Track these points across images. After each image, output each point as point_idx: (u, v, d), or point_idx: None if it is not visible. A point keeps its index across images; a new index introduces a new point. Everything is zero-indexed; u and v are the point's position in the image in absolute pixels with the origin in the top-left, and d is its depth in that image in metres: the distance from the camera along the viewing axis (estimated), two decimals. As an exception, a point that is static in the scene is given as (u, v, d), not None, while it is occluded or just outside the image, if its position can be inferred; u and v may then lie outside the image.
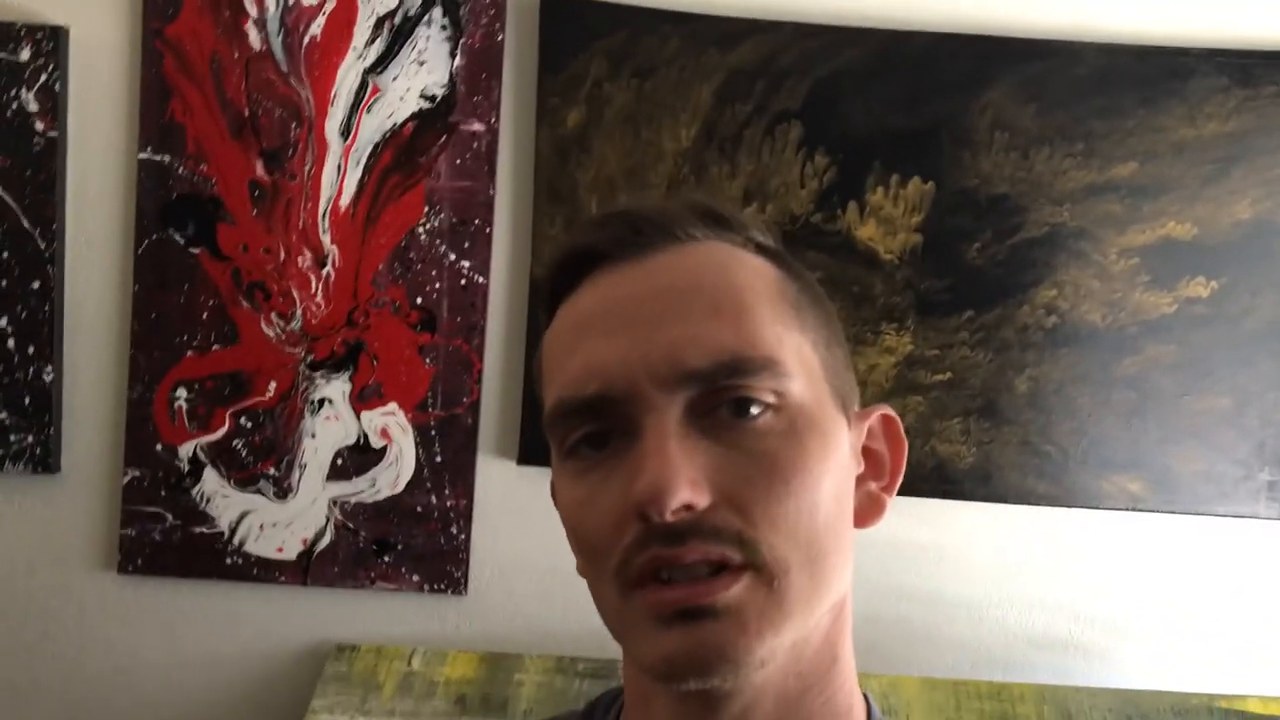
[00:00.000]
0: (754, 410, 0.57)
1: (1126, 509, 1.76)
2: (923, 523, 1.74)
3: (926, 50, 1.69)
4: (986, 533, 1.77)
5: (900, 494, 0.65)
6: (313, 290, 1.74)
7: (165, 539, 1.75)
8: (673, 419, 0.56)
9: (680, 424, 0.56)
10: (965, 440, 1.73)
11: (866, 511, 0.63)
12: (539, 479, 1.75)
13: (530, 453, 1.75)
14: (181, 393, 1.74)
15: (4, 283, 1.70)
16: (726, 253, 0.61)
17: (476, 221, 1.72)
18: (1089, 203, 1.71)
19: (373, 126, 1.71)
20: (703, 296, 0.58)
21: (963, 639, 1.78)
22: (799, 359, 0.58)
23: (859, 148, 1.70)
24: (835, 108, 1.69)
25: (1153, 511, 1.76)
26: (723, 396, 0.57)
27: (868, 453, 0.63)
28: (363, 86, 1.71)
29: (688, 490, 0.54)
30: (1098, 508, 1.76)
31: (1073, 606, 1.80)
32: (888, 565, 1.72)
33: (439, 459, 1.75)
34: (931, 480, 1.72)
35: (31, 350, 1.72)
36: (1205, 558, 1.79)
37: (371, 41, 1.70)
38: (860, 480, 0.62)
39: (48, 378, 1.72)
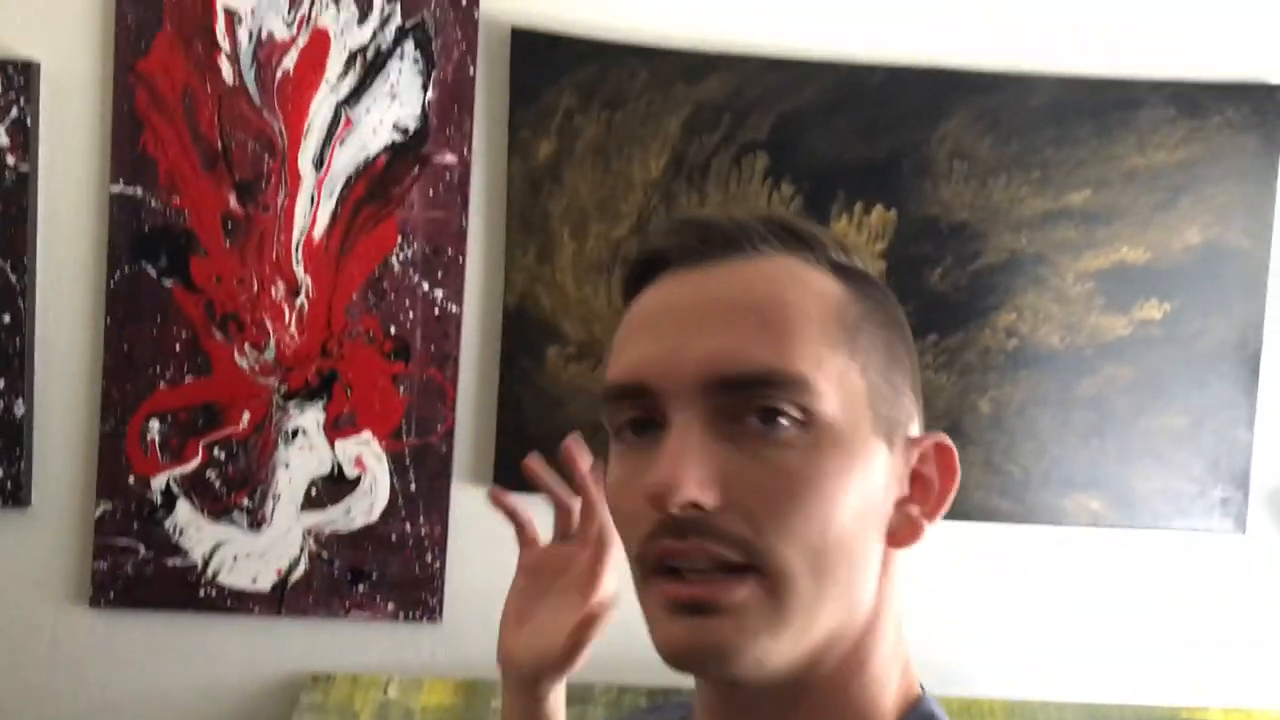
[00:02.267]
0: (782, 422, 0.58)
1: (1087, 525, 1.80)
2: (891, 543, 1.77)
3: (886, 84, 1.74)
4: (952, 550, 1.80)
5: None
6: (286, 321, 1.75)
7: (138, 572, 1.75)
8: (698, 420, 0.59)
9: (705, 426, 0.59)
10: (931, 461, 1.76)
11: (903, 533, 0.63)
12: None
13: (504, 479, 1.77)
14: (154, 424, 1.74)
15: (-26, 316, 1.70)
16: (789, 269, 0.62)
17: (449, 251, 1.74)
18: (1046, 229, 1.77)
19: (346, 158, 1.73)
20: (751, 311, 0.60)
21: (931, 655, 1.80)
22: (838, 381, 0.60)
23: (823, 177, 1.74)
24: (800, 139, 1.74)
25: (1113, 527, 1.81)
26: (750, 405, 0.59)
27: (917, 476, 0.64)
28: (336, 119, 1.73)
29: (694, 489, 0.57)
30: (1060, 525, 1.80)
31: (1037, 622, 1.84)
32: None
33: (413, 487, 1.77)
34: (899, 501, 1.75)
35: (2, 384, 1.71)
36: (1164, 572, 1.84)
37: (344, 75, 1.72)
38: (902, 503, 0.63)
39: (19, 411, 1.72)
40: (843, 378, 0.60)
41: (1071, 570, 1.84)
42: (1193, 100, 1.76)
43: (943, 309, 1.76)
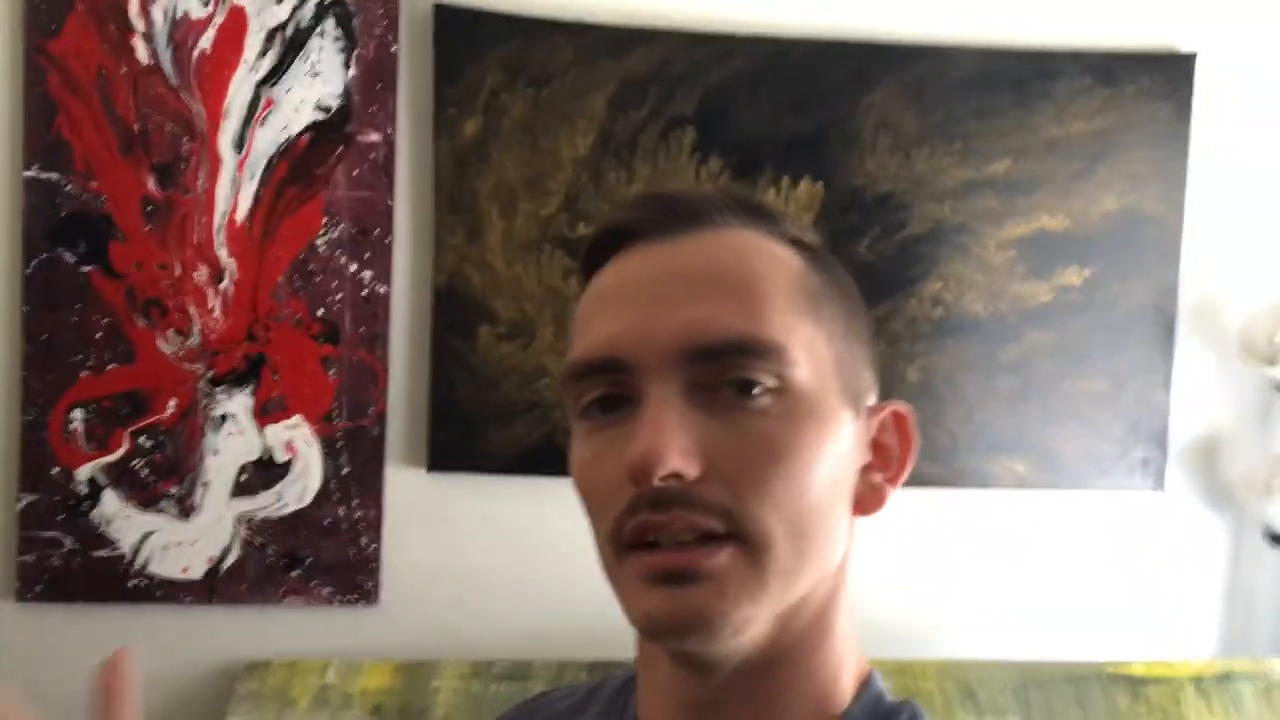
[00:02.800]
0: (755, 391, 0.59)
1: (1014, 488, 1.84)
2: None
3: (811, 57, 1.75)
4: (883, 515, 1.83)
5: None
6: (210, 305, 1.72)
7: (65, 564, 1.71)
8: (674, 391, 0.58)
9: (681, 397, 0.58)
10: (861, 430, 1.79)
11: (868, 500, 0.64)
12: (449, 485, 1.78)
13: (439, 459, 1.76)
14: (78, 414, 1.70)
15: (-117, 308, 1.65)
16: (752, 241, 0.63)
17: (376, 231, 1.73)
18: (968, 199, 1.80)
19: (267, 139, 1.70)
20: (720, 281, 0.60)
21: (864, 618, 1.84)
22: (808, 349, 0.61)
23: (751, 151, 1.75)
24: (726, 113, 1.74)
25: (1038, 488, 1.85)
26: (726, 375, 0.59)
27: (877, 445, 0.65)
28: (256, 99, 1.70)
29: (677, 458, 0.57)
30: (987, 488, 1.84)
31: (967, 583, 1.88)
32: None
33: (346, 470, 1.75)
34: (831, 470, 1.78)
35: (-84, 376, 1.67)
36: (1089, 531, 1.89)
37: (263, 54, 1.69)
38: (866, 470, 0.64)
39: (-66, 404, 1.67)
40: (812, 346, 0.61)
41: (999, 532, 1.88)
42: (1108, 69, 1.80)
43: (870, 279, 1.78)
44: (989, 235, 1.80)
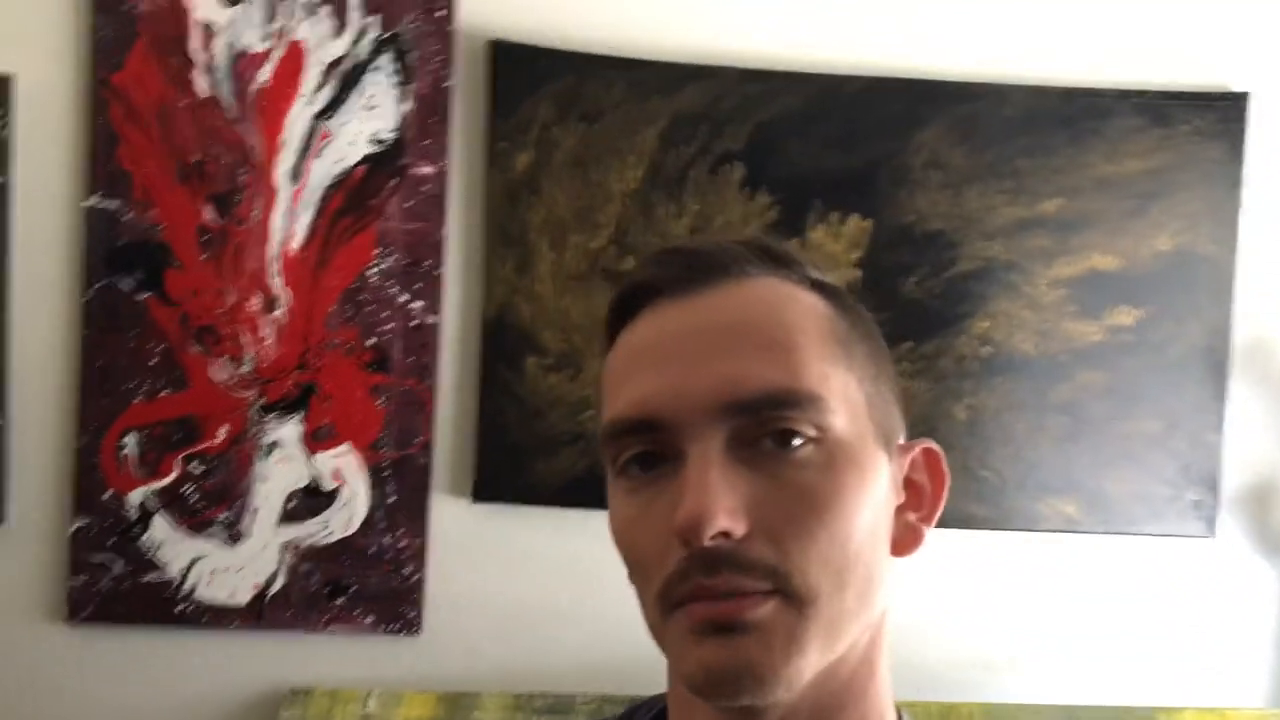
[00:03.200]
0: (796, 442, 0.59)
1: (1063, 530, 1.82)
2: (869, 549, 1.78)
3: (862, 94, 1.76)
4: (929, 556, 1.81)
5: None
6: (263, 333, 1.74)
7: (114, 587, 1.73)
8: (716, 448, 0.58)
9: (723, 453, 0.58)
10: (908, 468, 1.78)
11: (905, 541, 0.65)
12: (493, 516, 1.78)
13: (484, 490, 1.77)
14: (130, 439, 1.73)
15: (-54, 332, 1.69)
16: (779, 290, 0.63)
17: (428, 263, 1.74)
18: (1019, 237, 1.79)
19: (323, 170, 1.73)
20: (752, 333, 0.60)
21: (909, 661, 1.81)
22: (843, 396, 0.61)
23: (799, 187, 1.75)
24: (776, 149, 1.75)
25: (1087, 533, 1.83)
26: (766, 428, 0.59)
27: (909, 484, 0.65)
28: (312, 132, 1.73)
29: (725, 519, 0.56)
30: (1035, 530, 1.82)
31: (1014, 626, 1.86)
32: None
33: (392, 499, 1.76)
34: (877, 508, 1.77)
35: (-25, 399, 1.70)
36: (1138, 575, 1.86)
37: (320, 88, 1.72)
38: (900, 511, 0.64)
39: (-8, 427, 1.70)
40: (846, 392, 0.61)
41: (1047, 574, 1.86)
42: (1161, 109, 1.79)
43: (918, 316, 1.78)
44: (1039, 274, 1.79)
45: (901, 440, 0.66)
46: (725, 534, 0.56)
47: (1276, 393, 1.84)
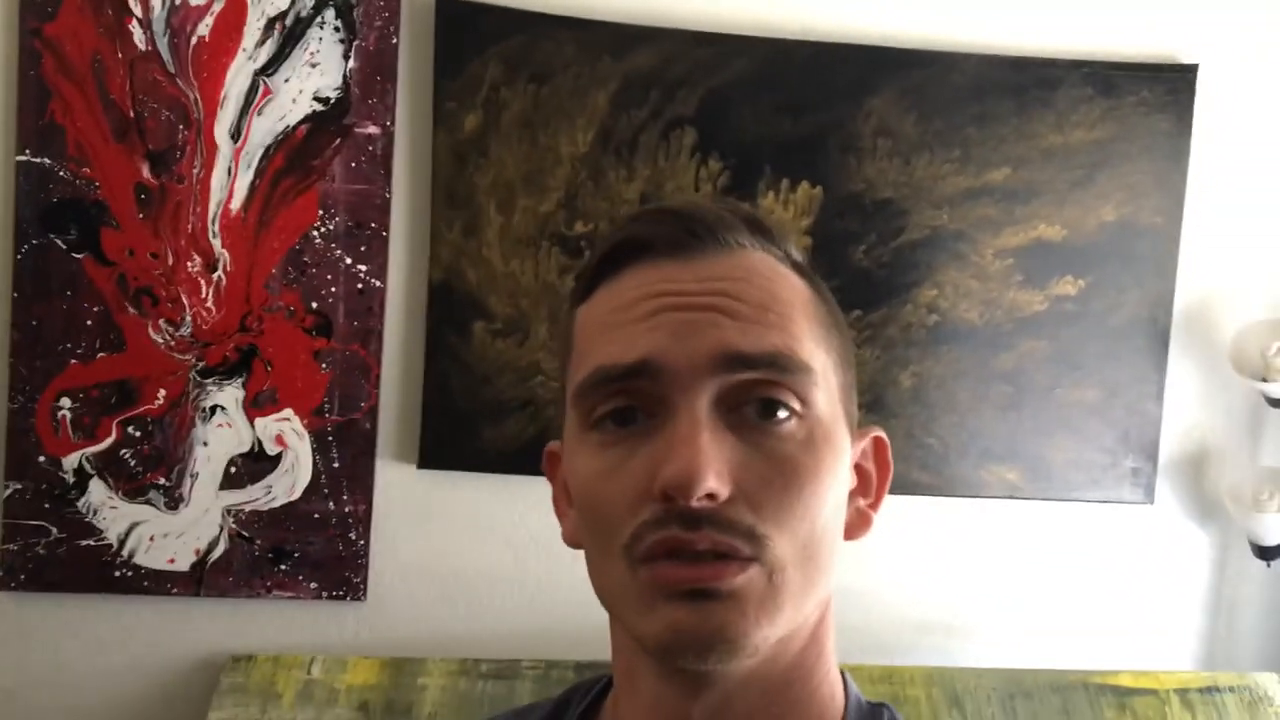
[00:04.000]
0: (780, 415, 0.60)
1: (1005, 497, 1.85)
2: (815, 516, 1.79)
3: (813, 59, 1.75)
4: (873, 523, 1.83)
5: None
6: (203, 295, 1.70)
7: (50, 553, 1.70)
8: (704, 407, 0.59)
9: (710, 414, 0.59)
10: (854, 435, 1.79)
11: (855, 525, 0.66)
12: (439, 482, 1.77)
13: (430, 456, 1.75)
14: (65, 402, 1.69)
15: None
16: (770, 266, 0.64)
17: (373, 225, 1.71)
18: (966, 206, 1.79)
19: (264, 129, 1.69)
20: (751, 302, 0.61)
21: (853, 624, 1.84)
22: (825, 375, 0.62)
23: (751, 153, 1.74)
24: (727, 114, 1.73)
25: (1029, 499, 1.85)
26: (753, 393, 0.59)
27: (859, 470, 0.67)
28: (253, 88, 1.68)
29: (713, 480, 0.57)
30: (978, 496, 1.84)
31: (956, 591, 1.88)
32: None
33: (336, 464, 1.74)
34: (823, 474, 1.78)
35: (-98, 361, 1.65)
36: (1078, 541, 1.89)
37: (262, 43, 1.68)
38: (851, 495, 0.66)
39: (-80, 389, 1.65)
40: (825, 372, 0.62)
41: (989, 540, 1.88)
42: (1109, 79, 1.80)
43: (866, 285, 1.78)
44: (986, 243, 1.80)
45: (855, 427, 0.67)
46: (711, 496, 0.57)
47: (1215, 363, 1.87)
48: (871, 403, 1.79)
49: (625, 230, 0.65)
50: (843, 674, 0.68)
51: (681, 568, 0.58)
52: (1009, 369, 1.82)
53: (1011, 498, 1.85)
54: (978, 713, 1.72)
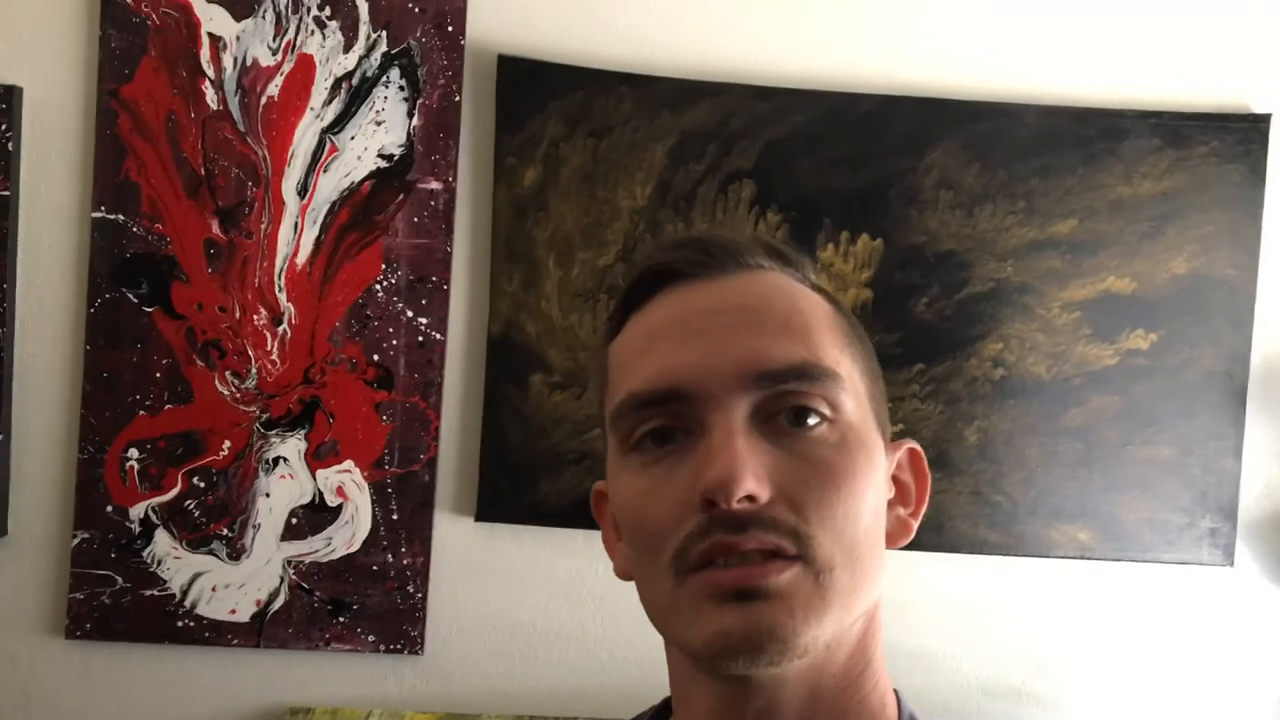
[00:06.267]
0: (811, 420, 0.61)
1: (1076, 557, 1.79)
2: (878, 574, 1.76)
3: (873, 112, 1.74)
4: (939, 582, 1.79)
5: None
6: (268, 348, 1.73)
7: (115, 602, 1.72)
8: (739, 419, 0.60)
9: (744, 424, 0.60)
10: (918, 491, 1.75)
11: (896, 533, 0.67)
12: (497, 535, 1.76)
13: (487, 509, 1.75)
14: (133, 453, 1.72)
15: (-49, 343, 1.68)
16: (790, 283, 0.67)
17: (434, 279, 1.73)
18: (1031, 258, 1.76)
19: (330, 185, 1.72)
20: (773, 315, 0.63)
21: (918, 689, 1.79)
22: (851, 380, 0.64)
23: (810, 206, 1.73)
24: (786, 167, 1.73)
25: (1101, 559, 1.79)
26: (784, 403, 0.61)
27: (896, 481, 0.68)
28: (320, 146, 1.72)
29: (753, 481, 0.58)
30: (1048, 556, 1.79)
31: (1025, 654, 1.82)
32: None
33: (395, 516, 1.75)
34: (886, 531, 1.74)
35: (-21, 411, 1.69)
36: (1153, 604, 1.83)
37: (329, 102, 1.72)
38: (890, 504, 0.67)
39: (-5, 439, 1.70)
40: (852, 379, 0.64)
41: (1060, 601, 1.82)
42: (1178, 130, 1.76)
43: (929, 338, 1.76)
44: (1053, 296, 1.77)
45: (889, 438, 0.69)
46: (751, 498, 0.58)
47: (1295, 419, 1.81)
48: (935, 459, 1.75)
49: (648, 260, 0.68)
50: (896, 692, 0.68)
51: (726, 571, 0.59)
52: (1078, 425, 1.78)
53: (1083, 558, 1.79)
54: (1049, 782, 1.65)
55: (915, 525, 0.68)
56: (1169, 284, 1.77)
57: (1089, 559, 1.79)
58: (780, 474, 0.60)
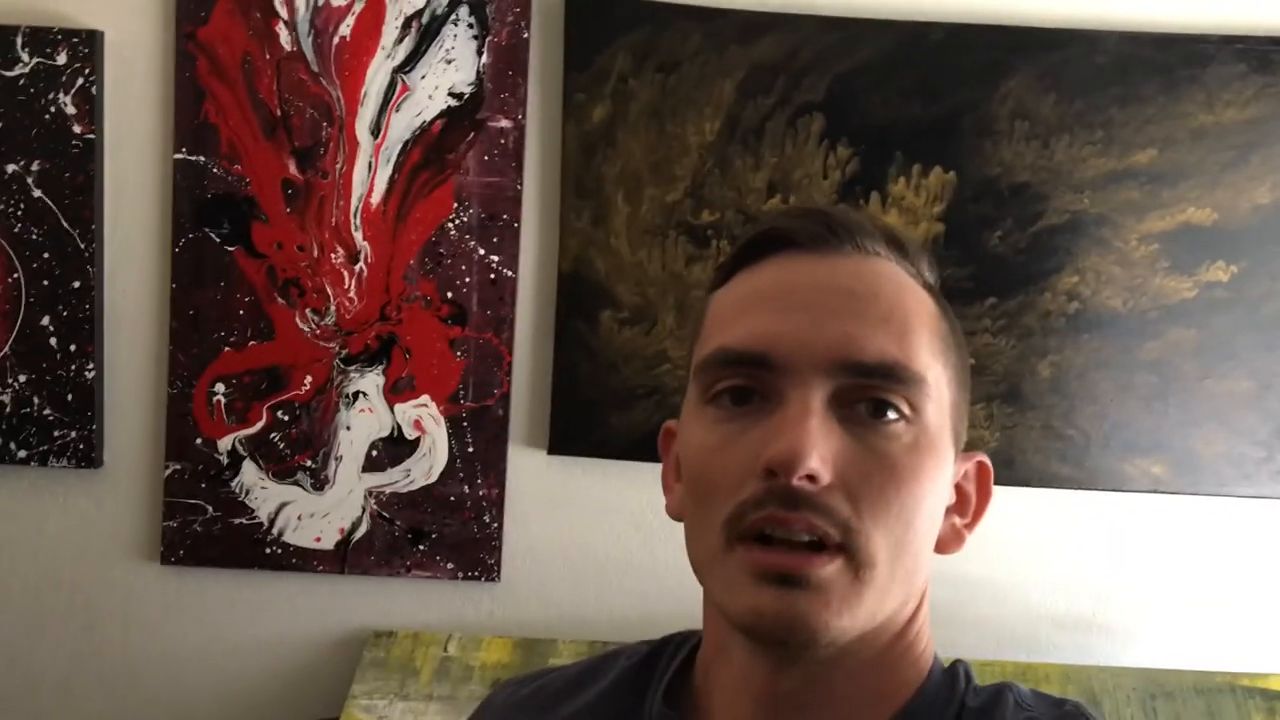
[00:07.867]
0: (890, 415, 0.62)
1: (1149, 491, 1.78)
2: (947, 507, 1.76)
3: (946, 41, 1.71)
4: (1011, 516, 1.79)
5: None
6: (346, 286, 1.77)
7: (206, 530, 1.80)
8: (817, 399, 0.61)
9: (821, 406, 0.61)
10: (989, 425, 1.75)
11: (948, 541, 0.68)
12: (568, 468, 1.80)
13: (560, 442, 1.79)
14: (220, 388, 1.78)
15: (45, 282, 1.75)
16: (901, 277, 0.67)
17: (505, 217, 1.75)
18: (1109, 190, 1.73)
19: (402, 124, 1.74)
20: (877, 306, 0.64)
21: (987, 620, 1.81)
22: (938, 388, 0.65)
23: (880, 139, 1.72)
24: (856, 100, 1.71)
25: (1175, 494, 1.78)
26: (866, 394, 0.62)
27: (959, 490, 0.69)
28: (392, 85, 1.74)
29: (817, 462, 0.60)
30: (1120, 490, 1.78)
31: (1096, 587, 1.83)
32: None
33: (471, 449, 1.79)
34: (955, 465, 1.75)
35: (73, 348, 1.76)
36: (1227, 539, 1.81)
37: (400, 41, 1.73)
38: (948, 511, 0.68)
39: (89, 375, 1.77)
40: (939, 385, 0.65)
41: (1132, 535, 1.82)
42: (1263, 56, 1.70)
43: (1002, 272, 1.74)
44: (1130, 228, 1.74)
45: (961, 448, 0.69)
46: (812, 478, 0.59)
47: (1382, 352, 1.76)
48: (1007, 393, 1.75)
49: (769, 222, 0.69)
50: (958, 663, 0.69)
51: (773, 554, 0.60)
52: (1154, 358, 1.76)
53: (1156, 491, 1.78)
54: (1116, 713, 1.66)
55: (968, 536, 0.69)
56: (1251, 214, 1.73)
57: (1162, 493, 1.78)
58: (845, 462, 0.61)
